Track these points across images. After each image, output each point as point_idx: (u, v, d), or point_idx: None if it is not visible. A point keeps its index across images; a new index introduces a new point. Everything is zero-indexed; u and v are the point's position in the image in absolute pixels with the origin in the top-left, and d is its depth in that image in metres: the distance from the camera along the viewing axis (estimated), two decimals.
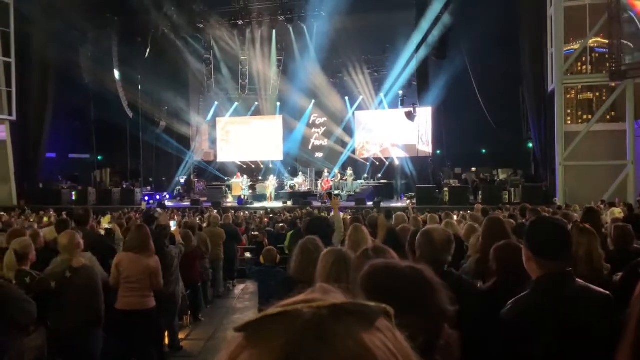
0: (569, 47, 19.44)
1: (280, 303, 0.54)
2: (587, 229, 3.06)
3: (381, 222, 4.97)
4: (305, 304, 0.51)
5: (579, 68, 21.14)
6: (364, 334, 0.50)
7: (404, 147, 25.27)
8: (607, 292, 2.22)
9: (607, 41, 18.70)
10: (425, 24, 22.61)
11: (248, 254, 12.01)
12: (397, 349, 0.51)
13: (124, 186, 24.95)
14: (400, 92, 24.82)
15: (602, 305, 2.13)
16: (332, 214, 10.84)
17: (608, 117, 20.57)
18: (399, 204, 19.81)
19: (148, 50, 25.15)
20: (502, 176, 21.86)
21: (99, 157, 27.93)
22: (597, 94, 25.24)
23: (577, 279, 2.20)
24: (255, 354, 0.49)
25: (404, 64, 23.54)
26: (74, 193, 23.13)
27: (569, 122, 20.18)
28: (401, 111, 24.78)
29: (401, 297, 1.29)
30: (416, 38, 22.81)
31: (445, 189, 20.46)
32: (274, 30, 25.53)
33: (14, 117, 22.49)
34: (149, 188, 25.85)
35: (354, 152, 26.36)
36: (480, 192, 19.83)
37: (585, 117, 23.62)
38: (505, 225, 3.85)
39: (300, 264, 3.19)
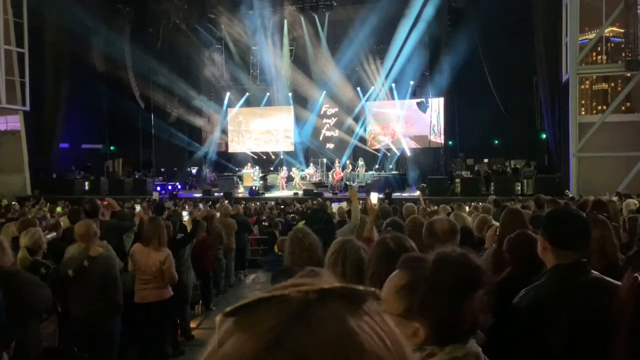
0: (584, 37, 19.19)
1: (270, 288, 0.54)
2: (600, 219, 3.03)
3: (370, 207, 4.84)
4: (293, 289, 0.52)
5: (594, 58, 20.90)
6: (351, 318, 0.50)
7: (415, 137, 25.15)
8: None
9: (622, 30, 18.42)
10: (437, 14, 22.46)
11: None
12: (385, 333, 0.51)
13: (136, 176, 25.14)
14: (412, 83, 24.65)
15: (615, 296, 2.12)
16: (338, 205, 10.80)
17: (623, 107, 20.30)
18: (411, 195, 19.76)
19: (160, 41, 25.19)
20: (515, 167, 21.66)
21: (112, 148, 28.10)
22: (612, 84, 25.08)
23: (592, 270, 2.19)
24: (242, 337, 0.49)
25: (416, 54, 23.36)
26: (86, 183, 23.33)
27: (583, 112, 19.96)
28: (413, 102, 24.69)
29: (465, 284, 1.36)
30: (429, 28, 22.67)
31: (457, 180, 20.35)
32: (285, 20, 25.43)
33: (27, 108, 22.65)
34: (160, 178, 25.99)
35: (365, 142, 26.26)
36: (492, 184, 19.69)
37: (599, 107, 23.42)
38: (524, 216, 3.83)
39: (293, 253, 3.25)
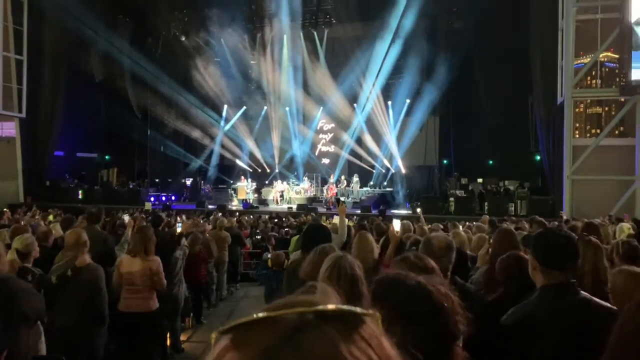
0: (580, 61, 19.40)
1: (270, 305, 0.54)
2: (592, 242, 3.06)
3: (392, 234, 4.90)
4: (290, 309, 0.52)
5: (589, 82, 21.10)
6: (343, 342, 0.49)
7: (411, 155, 25.24)
8: (611, 305, 2.22)
9: (617, 56, 18.65)
10: (434, 34, 22.71)
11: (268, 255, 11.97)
12: (380, 357, 0.51)
13: (131, 186, 25.06)
14: (408, 101, 24.80)
15: (604, 318, 2.13)
16: (333, 220, 10.78)
17: (617, 131, 20.48)
18: (406, 212, 19.78)
19: (159, 52, 25.29)
20: (509, 188, 21.75)
21: (107, 157, 28.05)
22: (606, 108, 25.25)
23: (581, 291, 2.21)
24: (235, 356, 0.50)
25: (413, 72, 23.55)
26: (80, 192, 23.24)
27: (577, 135, 20.10)
28: (409, 119, 24.83)
29: (405, 310, 1.29)
30: (425, 48, 22.88)
31: (451, 199, 20.42)
32: (285, 36, 25.63)
33: (23, 115, 22.63)
34: (155, 189, 25.93)
35: (360, 159, 26.34)
36: (486, 203, 19.76)
37: (593, 131, 23.62)
38: (516, 237, 3.86)
39: (313, 265, 3.17)
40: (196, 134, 27.79)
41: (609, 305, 2.22)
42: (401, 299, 1.34)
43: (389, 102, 25.35)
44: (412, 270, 2.19)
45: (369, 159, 26.07)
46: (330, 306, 0.52)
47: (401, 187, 24.89)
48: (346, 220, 6.09)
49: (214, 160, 28.59)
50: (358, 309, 0.53)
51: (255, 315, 0.52)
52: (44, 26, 22.54)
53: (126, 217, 8.44)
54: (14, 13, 22.16)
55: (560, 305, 2.15)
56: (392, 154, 25.45)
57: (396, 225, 4.95)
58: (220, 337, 0.52)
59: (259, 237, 13.71)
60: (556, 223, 9.21)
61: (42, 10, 22.07)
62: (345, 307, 0.53)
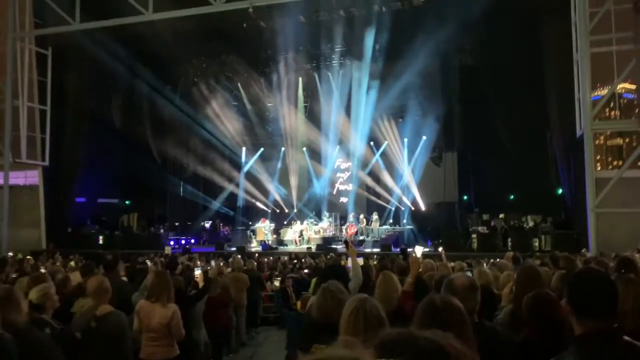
0: (597, 93, 19.26)
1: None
2: (633, 280, 2.89)
3: (413, 260, 4.82)
4: None
5: (608, 113, 20.90)
6: None
7: (430, 191, 25.05)
8: None
9: (634, 87, 18.50)
10: (448, 70, 22.85)
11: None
12: None
13: (151, 230, 25.20)
14: (425, 137, 24.76)
15: None
16: (349, 260, 10.68)
17: (639, 163, 20.11)
18: (425, 249, 19.45)
19: (177, 98, 25.87)
20: (532, 223, 21.34)
21: (127, 202, 28.35)
22: (627, 139, 24.89)
23: (624, 336, 2.03)
24: None
25: (429, 109, 23.61)
26: (101, 237, 23.41)
27: (599, 167, 19.75)
28: (426, 156, 24.77)
29: None
30: (440, 84, 23.00)
31: (473, 235, 20.07)
32: (300, 78, 26.06)
33: (47, 163, 23.13)
34: (174, 232, 26.04)
35: (378, 197, 26.22)
36: (509, 239, 19.37)
37: (615, 162, 23.23)
38: (540, 274, 3.71)
39: (323, 306, 3.21)
40: (214, 177, 28.01)
41: None
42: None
43: (405, 139, 25.37)
44: (435, 319, 2.11)
45: (388, 196, 25.93)
46: None
47: (421, 225, 24.60)
48: (359, 260, 6.01)
49: (233, 202, 28.72)
50: None
51: None
52: (67, 77, 23.27)
53: (148, 262, 8.41)
54: (38, 65, 22.95)
55: (603, 355, 1.97)
56: (410, 191, 25.30)
57: (418, 252, 4.83)
58: None
59: (279, 278, 13.56)
60: (582, 258, 8.94)
61: (65, 62, 22.85)
62: None
